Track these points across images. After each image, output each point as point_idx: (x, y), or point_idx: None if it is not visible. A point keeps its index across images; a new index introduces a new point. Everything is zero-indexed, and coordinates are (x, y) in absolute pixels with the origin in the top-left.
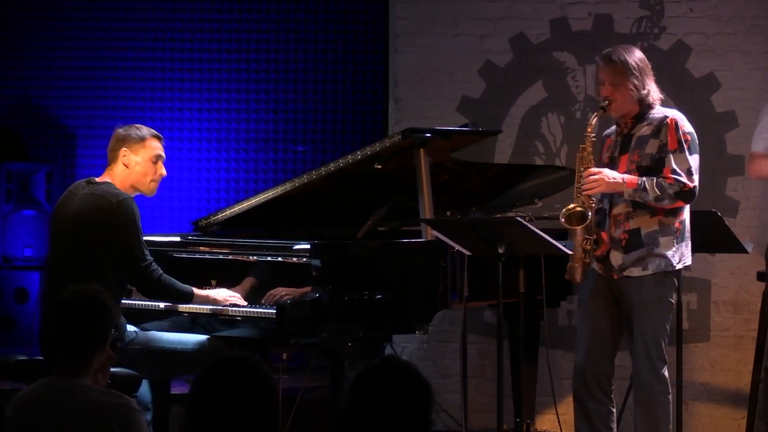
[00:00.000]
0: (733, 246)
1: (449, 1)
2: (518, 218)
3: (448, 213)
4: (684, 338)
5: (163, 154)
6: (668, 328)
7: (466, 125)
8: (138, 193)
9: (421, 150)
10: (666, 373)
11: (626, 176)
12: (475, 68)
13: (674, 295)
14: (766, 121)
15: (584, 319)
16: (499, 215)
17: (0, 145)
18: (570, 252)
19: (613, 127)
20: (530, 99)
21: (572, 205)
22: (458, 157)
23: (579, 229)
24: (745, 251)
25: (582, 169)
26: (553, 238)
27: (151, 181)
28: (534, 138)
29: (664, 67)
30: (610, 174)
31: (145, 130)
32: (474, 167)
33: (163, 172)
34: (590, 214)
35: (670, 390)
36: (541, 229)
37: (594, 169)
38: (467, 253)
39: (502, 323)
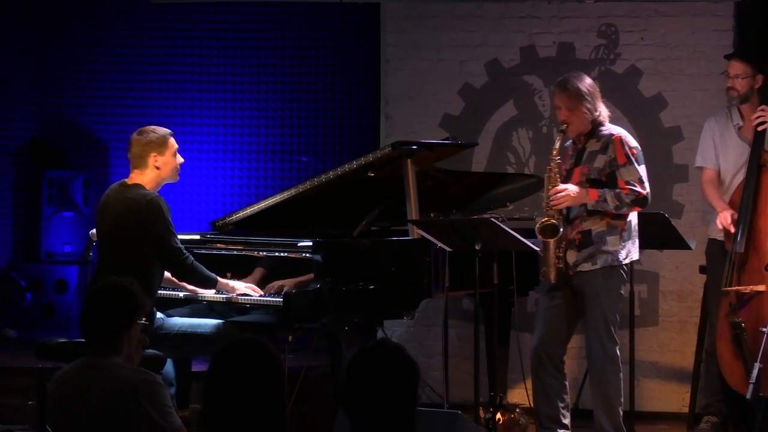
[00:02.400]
0: (679, 243)
1: (433, 31)
2: (492, 219)
3: (432, 214)
4: (636, 323)
5: (177, 146)
6: (617, 314)
7: (447, 139)
8: (167, 183)
9: (409, 160)
10: (617, 354)
11: (588, 190)
12: (455, 89)
13: (623, 286)
14: (707, 137)
15: (543, 308)
16: (475, 216)
17: (42, 156)
18: (537, 249)
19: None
20: (503, 116)
21: (545, 219)
22: (440, 166)
23: (553, 241)
24: (689, 248)
25: (549, 187)
26: (522, 237)
27: (176, 172)
28: (506, 150)
29: (619, 88)
30: (573, 189)
31: (160, 131)
32: (454, 175)
33: (181, 159)
34: (562, 228)
35: (620, 368)
36: (512, 229)
37: (560, 186)
38: (448, 249)
39: (479, 310)
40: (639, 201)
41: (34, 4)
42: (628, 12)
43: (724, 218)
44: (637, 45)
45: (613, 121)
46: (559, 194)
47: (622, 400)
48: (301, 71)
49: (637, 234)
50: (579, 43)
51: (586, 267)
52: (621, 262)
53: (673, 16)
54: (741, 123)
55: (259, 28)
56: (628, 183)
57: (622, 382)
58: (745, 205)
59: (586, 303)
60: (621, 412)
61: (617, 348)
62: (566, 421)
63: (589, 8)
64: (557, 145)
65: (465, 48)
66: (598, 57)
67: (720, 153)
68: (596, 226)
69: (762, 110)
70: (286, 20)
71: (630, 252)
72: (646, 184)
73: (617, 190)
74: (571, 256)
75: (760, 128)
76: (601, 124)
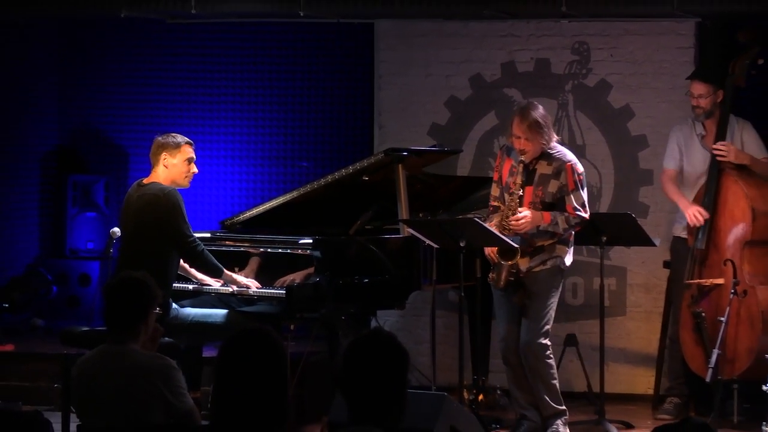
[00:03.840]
0: (645, 241)
1: (422, 49)
2: (475, 219)
3: (421, 215)
4: (606, 313)
5: (194, 156)
6: (555, 308)
7: (434, 146)
8: (179, 187)
9: (400, 165)
10: (548, 342)
11: (543, 213)
12: (442, 101)
13: (561, 286)
14: (673, 143)
15: (501, 303)
16: (460, 216)
17: (67, 161)
18: (516, 246)
19: (514, 150)
20: (485, 125)
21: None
22: (428, 171)
23: (513, 262)
24: (653, 245)
25: (510, 213)
26: (503, 235)
27: (186, 177)
28: (488, 156)
29: (590, 100)
30: (531, 215)
31: (179, 138)
32: (441, 179)
33: (195, 170)
34: (519, 255)
35: (551, 351)
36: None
37: (521, 214)
38: (435, 246)
39: (463, 301)
40: (581, 223)
41: (61, 23)
42: (599, 31)
43: (694, 213)
44: (607, 61)
45: (584, 130)
46: (520, 221)
47: (556, 375)
48: (303, 84)
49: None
50: (554, 59)
51: (538, 268)
52: (566, 266)
53: (639, 35)
54: (704, 133)
55: (264, 46)
56: (575, 209)
57: (553, 365)
58: (706, 206)
59: (533, 297)
60: (558, 386)
61: (548, 337)
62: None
63: (564, 27)
64: (519, 178)
65: (451, 64)
66: (572, 72)
67: (685, 158)
68: (547, 242)
69: (720, 148)
70: (289, 38)
71: (569, 258)
72: (587, 208)
73: (566, 214)
74: (524, 263)
75: (719, 158)
76: (549, 146)
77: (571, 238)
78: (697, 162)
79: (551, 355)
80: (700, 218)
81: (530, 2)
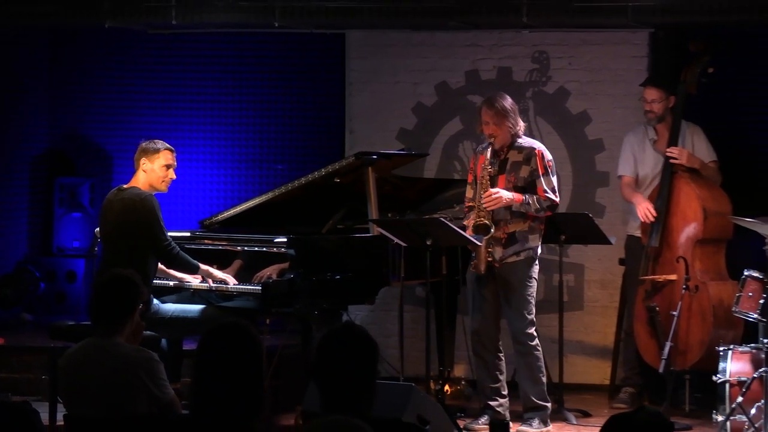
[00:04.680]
0: (601, 239)
1: (390, 58)
2: (441, 219)
3: (390, 215)
4: (564, 308)
5: (174, 163)
6: (534, 298)
7: (402, 150)
8: (156, 191)
9: (370, 168)
10: (535, 331)
11: (514, 194)
12: (409, 107)
13: (536, 274)
14: (627, 149)
15: (475, 295)
16: (427, 216)
17: (55, 165)
18: (480, 244)
19: (485, 144)
20: (450, 130)
21: (479, 219)
22: (397, 173)
23: (486, 239)
24: (609, 243)
25: (482, 191)
26: (467, 234)
27: (163, 182)
28: (453, 159)
29: (550, 106)
30: (505, 193)
31: (160, 144)
32: (409, 180)
33: (173, 176)
34: (493, 228)
35: (539, 343)
36: (458, 227)
37: (494, 189)
38: (403, 244)
39: (430, 297)
40: (552, 207)
41: (50, 34)
42: (557, 41)
43: (645, 210)
44: (566, 69)
45: (544, 134)
46: (492, 196)
47: (545, 371)
48: (278, 91)
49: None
50: (516, 68)
51: (512, 259)
52: (538, 255)
53: (596, 45)
54: (656, 137)
55: (241, 55)
56: (545, 191)
57: (542, 355)
58: (659, 207)
59: (511, 289)
60: (545, 382)
61: (535, 327)
62: (505, 392)
63: (525, 38)
64: (488, 155)
65: (418, 72)
66: (532, 80)
67: (638, 162)
68: (520, 228)
69: (673, 151)
70: (264, 48)
71: (540, 248)
72: (558, 193)
73: (537, 196)
74: (498, 252)
75: (672, 161)
76: (518, 136)
77: (543, 228)
78: (650, 165)
79: (539, 347)
80: (650, 216)
81: (493, 14)
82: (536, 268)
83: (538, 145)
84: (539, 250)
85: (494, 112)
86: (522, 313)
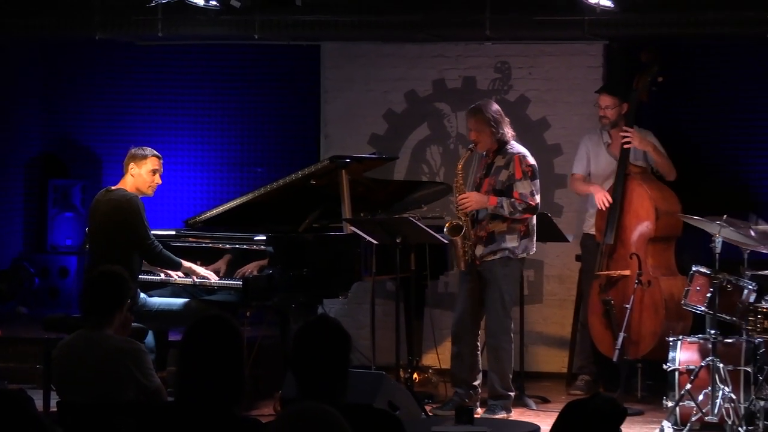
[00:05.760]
0: (559, 237)
1: (363, 68)
2: (410, 218)
3: (362, 214)
4: (525, 301)
5: (160, 169)
6: (512, 295)
7: (374, 153)
8: (143, 195)
9: (343, 171)
10: (510, 327)
11: (489, 197)
12: (380, 114)
13: (518, 274)
14: (582, 150)
15: (460, 291)
16: (396, 216)
17: (49, 167)
18: (446, 242)
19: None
20: (418, 135)
21: (452, 221)
22: (369, 176)
23: (458, 237)
24: (567, 240)
25: (457, 194)
26: (434, 232)
27: (149, 186)
28: (421, 162)
29: (511, 113)
30: (476, 196)
31: (148, 151)
32: (380, 182)
33: (159, 181)
34: (465, 228)
35: (512, 339)
36: (426, 226)
37: (466, 193)
38: (375, 242)
39: (399, 291)
40: (529, 209)
41: (44, 45)
42: (518, 52)
43: (602, 197)
44: (526, 78)
45: None
46: (464, 200)
47: (513, 364)
48: (257, 99)
49: (534, 233)
50: (479, 77)
51: (490, 258)
52: (517, 255)
53: (554, 56)
54: (610, 141)
55: (223, 65)
56: (521, 195)
57: (513, 350)
58: (613, 206)
59: (488, 285)
60: (511, 375)
61: (511, 323)
62: (477, 382)
63: (488, 49)
64: (461, 162)
65: (388, 81)
66: (495, 88)
67: (592, 164)
68: (499, 228)
69: (627, 132)
70: (245, 58)
71: (527, 247)
72: (537, 197)
73: (512, 200)
74: (479, 250)
75: (626, 146)
76: (506, 142)
77: (523, 229)
78: (604, 167)
79: (512, 343)
80: (606, 203)
81: (458, 27)
82: (516, 267)
83: (517, 149)
84: (522, 251)
85: (476, 120)
86: (496, 309)
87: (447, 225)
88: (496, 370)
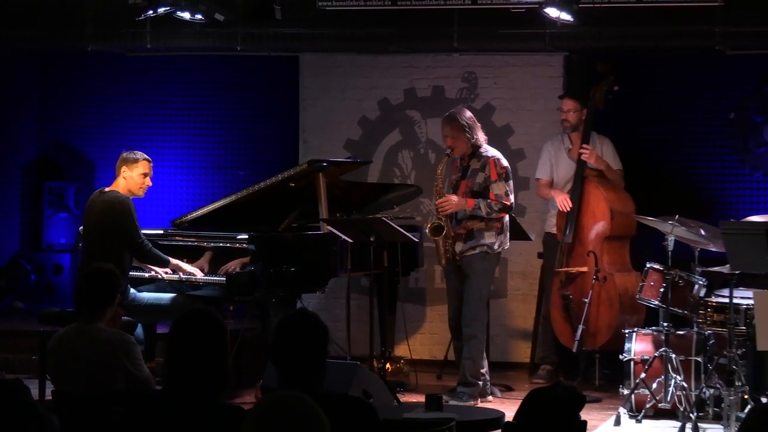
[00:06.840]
0: (522, 235)
1: (339, 77)
2: (383, 218)
3: (338, 214)
4: (491, 295)
5: (150, 172)
6: (489, 289)
7: (349, 158)
8: (134, 196)
9: (320, 174)
10: (485, 319)
11: (467, 199)
12: (355, 120)
13: (494, 269)
14: (545, 156)
15: (448, 287)
16: (370, 216)
17: (44, 170)
18: (416, 240)
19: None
20: (391, 141)
21: (434, 221)
22: (344, 179)
23: (440, 238)
24: (529, 239)
25: (437, 197)
26: (405, 231)
27: (140, 188)
28: (393, 166)
29: (478, 119)
30: (455, 199)
31: (139, 155)
32: (355, 185)
33: (149, 183)
34: (445, 229)
35: (485, 331)
36: (398, 225)
37: (446, 197)
38: (350, 240)
39: (373, 286)
40: (505, 209)
41: (39, 56)
42: (484, 63)
43: (563, 200)
44: (492, 87)
45: None
46: (444, 203)
47: (485, 354)
48: (240, 107)
49: (508, 229)
50: (448, 86)
51: (469, 253)
52: (495, 250)
53: (518, 66)
54: (570, 146)
55: (208, 74)
56: (497, 196)
57: (485, 341)
58: (572, 207)
59: (467, 279)
60: (483, 365)
61: (485, 315)
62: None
63: (455, 60)
64: (441, 167)
65: (362, 89)
66: (462, 96)
67: (554, 168)
68: (477, 226)
69: (585, 149)
70: (228, 68)
71: (503, 243)
72: (511, 197)
73: (488, 201)
74: (459, 247)
75: (583, 158)
76: (480, 146)
77: (499, 226)
78: (564, 170)
79: (484, 333)
80: (567, 206)
81: (427, 39)
82: (493, 262)
83: (491, 153)
84: (498, 246)
85: (451, 127)
86: (474, 300)
87: (428, 226)
88: (469, 359)
